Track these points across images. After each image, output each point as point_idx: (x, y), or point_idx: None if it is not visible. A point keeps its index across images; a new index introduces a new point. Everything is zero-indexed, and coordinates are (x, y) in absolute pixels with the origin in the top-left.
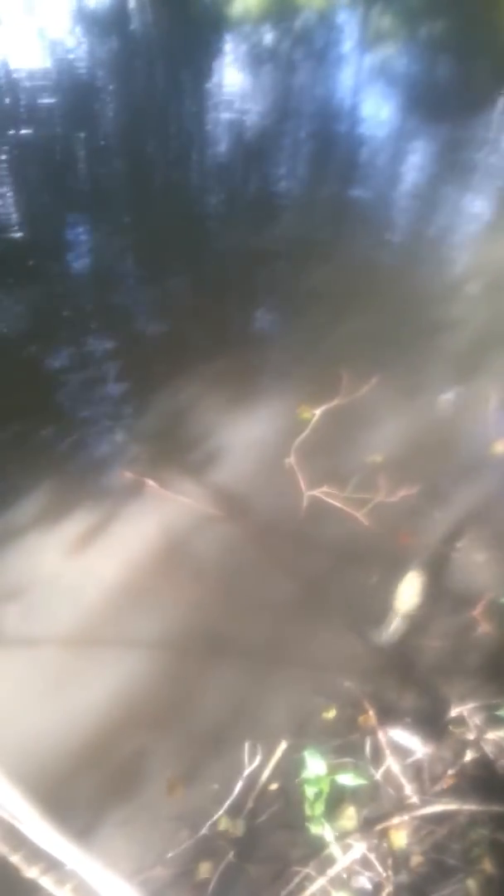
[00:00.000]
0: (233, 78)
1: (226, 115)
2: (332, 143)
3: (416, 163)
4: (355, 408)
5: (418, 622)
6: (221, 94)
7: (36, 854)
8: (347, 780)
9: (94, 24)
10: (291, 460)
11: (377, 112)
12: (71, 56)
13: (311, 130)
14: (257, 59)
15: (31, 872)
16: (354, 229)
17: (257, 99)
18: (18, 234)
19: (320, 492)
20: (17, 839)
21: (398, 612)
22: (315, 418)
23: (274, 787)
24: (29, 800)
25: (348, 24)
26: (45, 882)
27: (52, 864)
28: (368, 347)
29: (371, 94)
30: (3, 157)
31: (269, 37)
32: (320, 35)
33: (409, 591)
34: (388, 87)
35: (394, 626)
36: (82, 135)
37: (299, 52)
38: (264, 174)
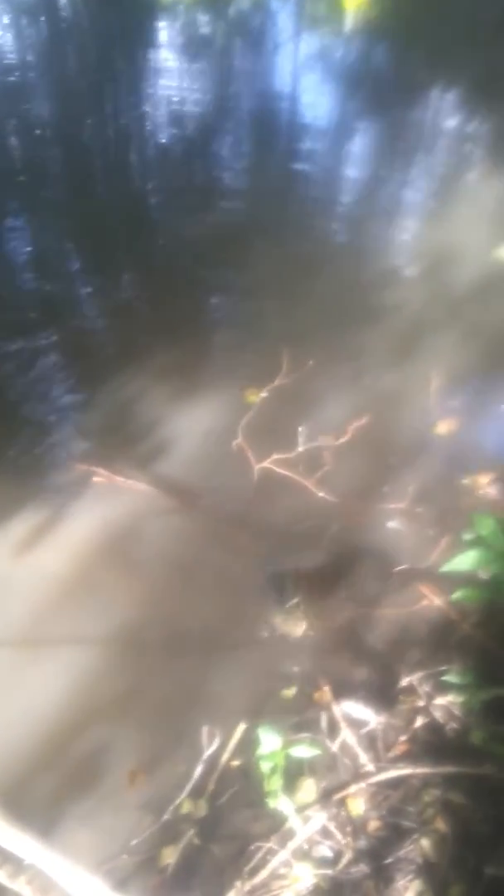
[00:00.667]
0: (169, 64)
1: (164, 102)
2: (272, 129)
3: (355, 148)
4: (300, 391)
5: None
6: (158, 80)
7: None
8: (302, 751)
9: (22, 10)
10: (240, 440)
11: (315, 98)
12: None
13: (251, 116)
14: (193, 44)
15: None
16: (295, 214)
17: (195, 85)
18: None
19: (269, 462)
20: None
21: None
22: (260, 400)
23: (234, 767)
24: None
25: (283, 11)
26: (0, 875)
27: (6, 859)
28: (311, 331)
29: (309, 80)
30: None
31: (204, 22)
32: (255, 20)
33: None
34: (325, 73)
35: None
36: (14, 122)
37: (235, 37)
38: (203, 161)
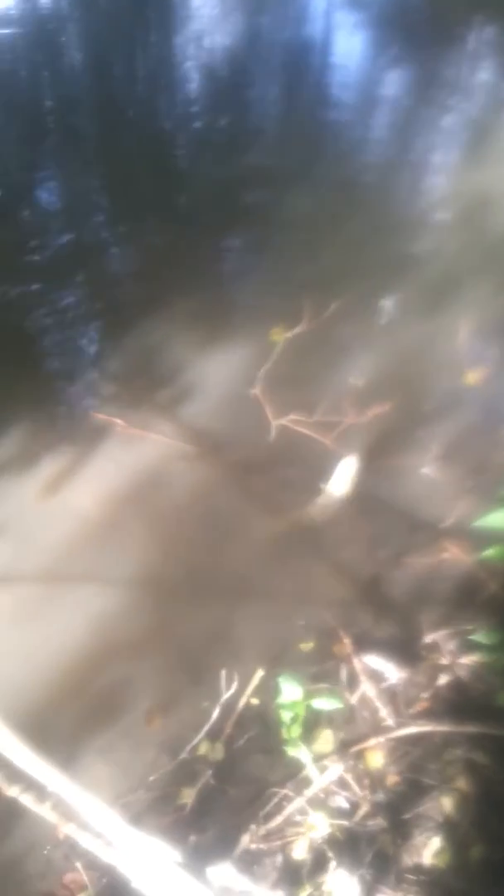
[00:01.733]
0: (201, 9)
1: (194, 44)
2: (304, 71)
3: (389, 91)
4: (326, 337)
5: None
6: (189, 23)
7: (16, 775)
8: (323, 703)
9: None
10: (257, 391)
11: (349, 39)
12: None
13: (283, 58)
14: None
15: (12, 791)
16: (326, 159)
17: (227, 27)
18: None
19: (288, 420)
20: None
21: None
22: (281, 346)
23: (251, 713)
24: (8, 724)
25: None
26: (25, 800)
27: (31, 785)
28: (340, 278)
29: (343, 20)
30: None
31: None
32: None
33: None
34: (360, 13)
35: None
36: (47, 69)
37: None
38: (233, 106)
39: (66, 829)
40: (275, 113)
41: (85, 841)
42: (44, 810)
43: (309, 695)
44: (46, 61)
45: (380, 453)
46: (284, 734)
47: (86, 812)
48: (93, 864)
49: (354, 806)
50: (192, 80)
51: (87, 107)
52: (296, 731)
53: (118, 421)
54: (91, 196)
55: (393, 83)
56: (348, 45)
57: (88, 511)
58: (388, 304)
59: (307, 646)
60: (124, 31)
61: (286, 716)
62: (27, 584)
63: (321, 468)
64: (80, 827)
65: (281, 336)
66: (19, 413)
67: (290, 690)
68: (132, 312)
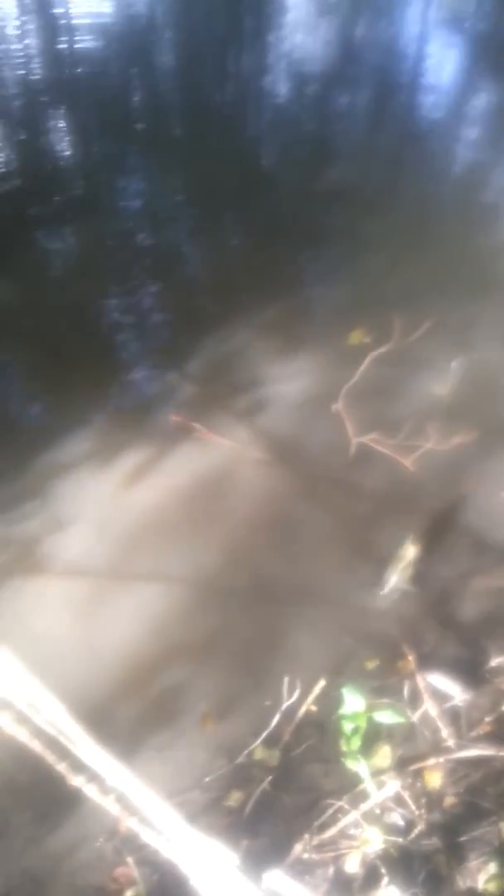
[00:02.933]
0: (295, 21)
1: (287, 59)
2: (394, 91)
3: (478, 115)
4: (407, 357)
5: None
6: (283, 37)
7: (80, 766)
8: (385, 717)
9: None
10: (339, 406)
11: (440, 62)
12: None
13: (373, 77)
14: (321, 3)
15: (77, 781)
16: (413, 178)
17: (319, 42)
18: (73, 173)
19: (369, 439)
20: (62, 751)
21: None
22: (367, 363)
23: (310, 722)
24: (73, 716)
25: None
26: (90, 791)
27: (94, 776)
28: (422, 298)
29: (435, 44)
30: (63, 94)
31: None
32: None
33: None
34: (452, 37)
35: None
36: (140, 76)
37: None
38: (323, 119)
39: (128, 823)
40: (363, 129)
41: (146, 836)
42: (107, 802)
43: (371, 708)
44: (139, 66)
45: (458, 475)
46: (343, 746)
47: (145, 808)
48: (145, 860)
49: (410, 824)
50: (282, 92)
51: (176, 113)
52: (356, 743)
53: (195, 424)
54: (176, 201)
55: (482, 105)
56: (441, 64)
57: (160, 510)
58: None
59: (371, 660)
60: (217, 38)
61: (347, 727)
62: (96, 576)
63: (397, 491)
64: (140, 822)
65: (359, 339)
66: (100, 410)
67: (353, 701)
68: (212, 317)
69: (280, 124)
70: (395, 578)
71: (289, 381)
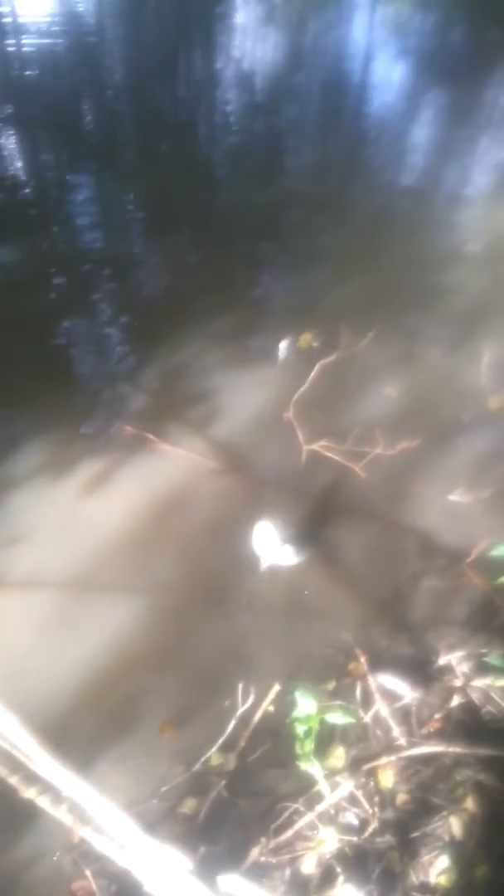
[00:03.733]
0: (243, 28)
1: (236, 67)
2: (341, 100)
3: (425, 122)
4: (354, 364)
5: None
6: (231, 44)
7: (33, 778)
8: (336, 718)
9: None
10: (290, 414)
11: (387, 70)
12: (79, 2)
13: (322, 86)
14: (267, 11)
15: (29, 793)
16: (360, 187)
17: (267, 50)
18: (20, 182)
19: (319, 446)
20: (15, 763)
21: None
22: (316, 371)
23: (265, 727)
24: (27, 728)
25: None
26: (42, 801)
27: (48, 787)
28: (370, 307)
29: (381, 52)
30: (9, 102)
31: None
32: None
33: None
34: (398, 44)
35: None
36: (89, 82)
37: (310, 8)
38: (273, 128)
39: (82, 833)
40: (312, 138)
41: (100, 845)
42: (60, 813)
43: (324, 709)
44: (87, 74)
45: (406, 478)
46: (298, 748)
47: (100, 818)
48: (102, 872)
49: (364, 823)
50: (231, 101)
51: (126, 121)
52: (309, 745)
53: (148, 435)
54: (126, 210)
55: (429, 115)
56: (387, 73)
57: (115, 522)
58: (416, 333)
59: (324, 660)
60: (166, 45)
61: (300, 729)
62: (52, 591)
63: (349, 494)
64: (95, 831)
65: (308, 343)
66: (51, 422)
67: (305, 704)
68: (164, 327)
69: (230, 133)
70: None
71: (241, 390)
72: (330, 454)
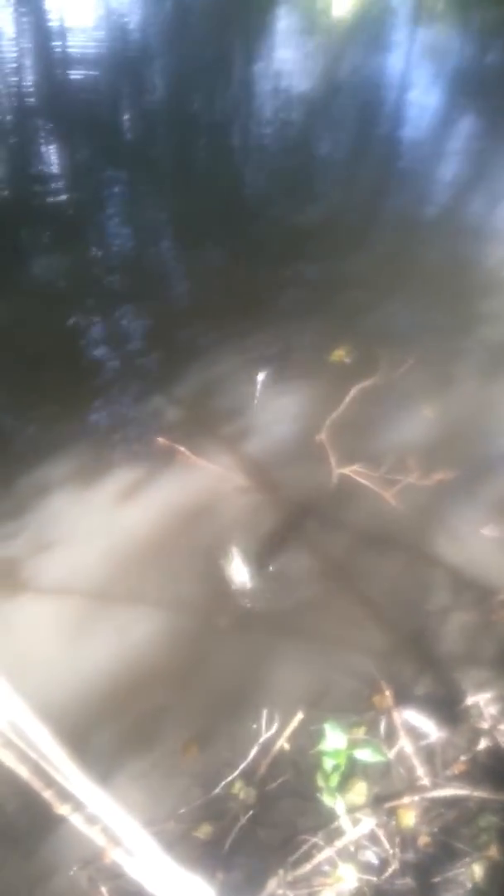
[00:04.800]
0: (283, 50)
1: (274, 88)
2: (378, 125)
3: (461, 148)
4: (390, 390)
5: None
6: (271, 65)
7: (65, 793)
8: (366, 755)
9: None
10: (323, 436)
11: (425, 92)
12: (124, 18)
13: (358, 110)
14: (308, 32)
15: (63, 809)
16: (396, 212)
17: (306, 72)
18: (57, 193)
19: (351, 470)
20: (47, 777)
21: None
22: (352, 394)
23: (286, 756)
24: (57, 740)
25: (402, 4)
26: (76, 820)
27: (79, 805)
28: (404, 330)
29: (420, 74)
30: (52, 119)
31: (322, 11)
32: (374, 13)
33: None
34: (437, 68)
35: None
36: (128, 97)
37: (351, 28)
38: (308, 150)
39: (112, 854)
40: (347, 161)
41: (124, 865)
42: (93, 833)
43: (353, 744)
44: (129, 90)
45: (438, 509)
46: (321, 782)
47: (124, 837)
48: (118, 890)
49: (384, 863)
50: (268, 122)
51: (164, 140)
52: (335, 780)
53: (180, 447)
54: (162, 224)
55: (468, 139)
56: (424, 98)
57: (143, 533)
58: (456, 361)
59: (348, 692)
60: (207, 65)
61: (328, 763)
62: (79, 598)
63: (379, 521)
64: (119, 851)
65: (340, 358)
66: (85, 432)
67: (335, 738)
68: (197, 344)
69: (266, 154)
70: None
71: (272, 409)
72: (361, 479)
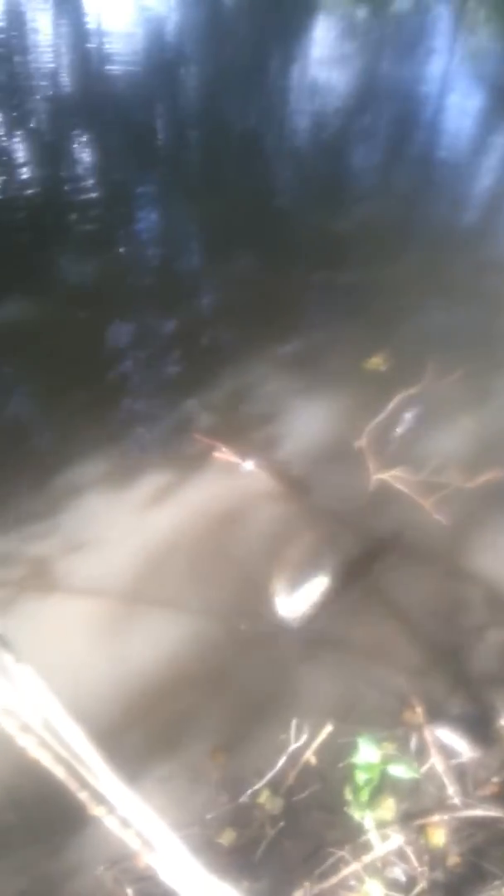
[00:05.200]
0: (320, 53)
1: (309, 94)
2: (414, 133)
3: (496, 160)
4: (429, 399)
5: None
6: (307, 71)
7: (97, 795)
8: (399, 771)
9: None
10: (362, 442)
11: (464, 100)
12: (161, 22)
13: (394, 118)
14: (347, 38)
15: (98, 811)
16: (430, 221)
17: (342, 81)
18: (89, 194)
19: (390, 475)
20: (80, 778)
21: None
22: (395, 402)
23: (313, 767)
24: (90, 741)
25: (443, 13)
26: (111, 822)
27: (112, 807)
28: (444, 340)
29: (460, 82)
30: (86, 121)
31: (361, 18)
32: (413, 20)
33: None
34: (477, 75)
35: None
36: (162, 100)
37: (390, 35)
38: (342, 157)
39: (147, 859)
40: (381, 169)
41: (151, 868)
42: (128, 836)
43: (386, 759)
44: (163, 94)
45: (477, 522)
46: (349, 795)
47: (153, 840)
48: (143, 893)
49: (411, 881)
50: (303, 126)
51: (197, 143)
52: (365, 794)
53: (214, 450)
54: (193, 231)
55: (500, 151)
56: (460, 109)
57: (174, 536)
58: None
59: (378, 706)
60: (242, 70)
61: (360, 777)
62: (109, 600)
63: (415, 533)
64: (147, 853)
65: (377, 366)
66: (119, 434)
67: (368, 752)
68: (230, 349)
69: (299, 159)
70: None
71: (306, 415)
72: (400, 486)
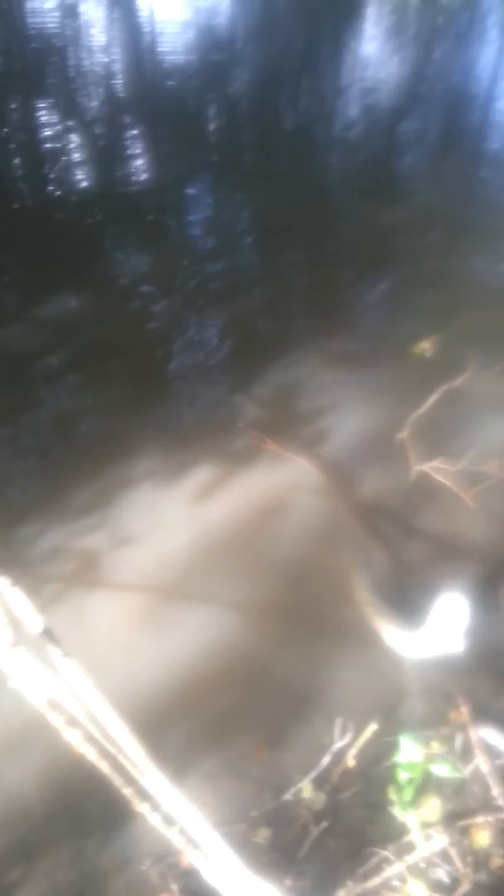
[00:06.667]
0: (371, 49)
1: (361, 87)
2: (466, 125)
3: None
4: (475, 392)
5: None
6: (358, 64)
7: (142, 791)
8: (443, 771)
9: None
10: (405, 435)
11: None
12: (213, 15)
13: (446, 110)
14: (398, 31)
15: (142, 808)
16: (485, 214)
17: (394, 73)
18: (141, 189)
19: (431, 466)
20: (126, 774)
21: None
22: (437, 395)
23: (356, 766)
24: (136, 736)
25: (493, 6)
26: (155, 819)
27: (157, 804)
28: (492, 335)
29: None
30: (141, 117)
31: (412, 10)
32: (464, 14)
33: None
34: None
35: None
36: (214, 94)
37: (441, 28)
38: (394, 150)
39: (191, 858)
40: (433, 161)
41: (196, 865)
42: (172, 834)
43: (429, 758)
44: (215, 91)
45: None
46: (394, 795)
47: (197, 836)
48: (187, 889)
49: (455, 882)
50: (354, 120)
51: (248, 139)
52: (409, 794)
53: (263, 444)
54: (244, 224)
55: None
56: None
57: (220, 532)
58: None
59: (424, 705)
60: (294, 64)
61: (403, 776)
62: (157, 595)
63: (455, 527)
64: (192, 850)
65: (423, 351)
66: (167, 428)
67: (411, 751)
68: (278, 344)
69: (350, 153)
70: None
71: (353, 410)
72: (443, 480)
